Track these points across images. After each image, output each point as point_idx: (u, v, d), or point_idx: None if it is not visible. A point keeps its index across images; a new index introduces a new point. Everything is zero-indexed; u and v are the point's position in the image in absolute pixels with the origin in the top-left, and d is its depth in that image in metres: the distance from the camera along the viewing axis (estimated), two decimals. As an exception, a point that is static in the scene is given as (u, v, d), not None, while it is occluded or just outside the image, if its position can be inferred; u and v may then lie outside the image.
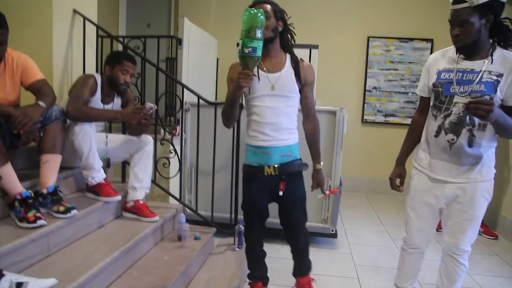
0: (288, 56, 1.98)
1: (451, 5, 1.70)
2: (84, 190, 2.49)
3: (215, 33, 5.28)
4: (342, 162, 3.31)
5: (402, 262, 2.22)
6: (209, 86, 4.85)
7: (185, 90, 2.96)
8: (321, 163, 2.12)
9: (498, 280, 2.95)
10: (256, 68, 1.77)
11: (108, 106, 2.48)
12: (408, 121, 5.31)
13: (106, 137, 2.50)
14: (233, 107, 1.86)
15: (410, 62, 5.36)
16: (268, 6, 1.85)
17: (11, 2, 2.64)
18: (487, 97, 1.70)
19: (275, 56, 1.93)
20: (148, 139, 2.59)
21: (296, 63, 1.95)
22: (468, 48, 1.74)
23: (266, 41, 1.76)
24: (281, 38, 1.94)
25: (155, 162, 2.87)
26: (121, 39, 3.12)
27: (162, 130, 2.98)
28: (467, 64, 1.77)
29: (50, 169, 2.10)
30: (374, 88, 5.49)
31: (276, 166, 1.94)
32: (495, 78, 1.71)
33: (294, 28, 2.00)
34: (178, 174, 3.10)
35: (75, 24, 2.83)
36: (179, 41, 3.56)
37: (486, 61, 1.73)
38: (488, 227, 3.96)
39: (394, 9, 5.32)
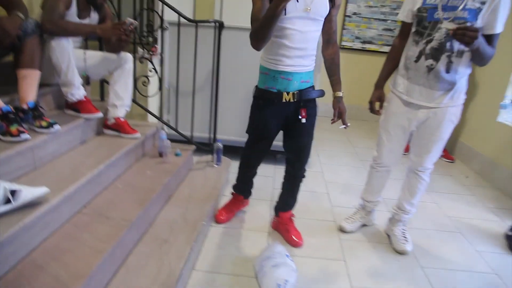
0: None
1: None
2: (64, 108, 2.50)
3: None
4: (319, 87, 3.39)
5: (370, 178, 2.45)
6: (187, 2, 4.66)
7: (164, 7, 2.87)
8: (342, 91, 2.05)
9: (451, 197, 3.28)
10: None
11: (85, 21, 2.40)
12: (385, 49, 5.37)
13: (84, 54, 2.45)
14: (271, 25, 1.62)
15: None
16: None
17: None
18: (469, 24, 1.77)
19: None
20: (128, 56, 2.56)
21: None
22: None
23: None
24: None
25: (135, 81, 2.86)
26: None
27: (140, 49, 2.92)
28: None
29: (29, 84, 2.09)
30: (354, 13, 5.41)
31: (295, 93, 1.91)
32: (478, 5, 1.78)
33: None
34: (154, 92, 3.13)
35: None
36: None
37: None
38: (448, 152, 4.27)
39: None
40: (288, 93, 1.89)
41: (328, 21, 1.88)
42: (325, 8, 1.79)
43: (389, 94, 2.19)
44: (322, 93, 2.02)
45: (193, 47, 3.15)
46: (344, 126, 2.07)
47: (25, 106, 2.06)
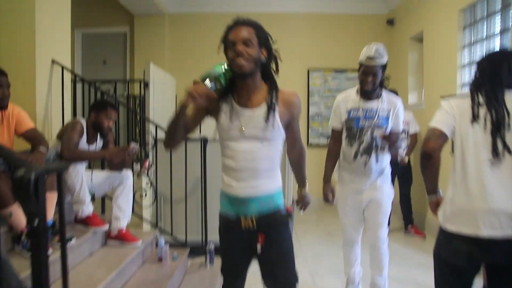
0: (268, 88, 1.67)
1: (367, 62, 2.37)
2: (72, 222, 2.78)
3: (171, 70, 5.71)
4: (293, 183, 3.84)
5: (345, 254, 2.84)
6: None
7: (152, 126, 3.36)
8: (306, 187, 1.95)
9: (428, 271, 3.58)
10: (216, 86, 1.58)
11: (92, 146, 2.82)
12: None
13: (91, 174, 2.83)
14: (175, 125, 1.62)
15: (345, 90, 6.14)
16: (250, 30, 1.57)
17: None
18: (384, 127, 2.46)
19: (255, 89, 1.64)
20: (129, 173, 2.95)
21: (272, 96, 1.63)
22: (370, 92, 2.45)
23: (244, 75, 1.57)
24: (262, 68, 1.64)
25: (133, 193, 3.21)
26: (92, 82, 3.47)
27: (134, 165, 3.32)
28: (367, 104, 2.49)
29: (49, 205, 2.40)
30: (316, 114, 6.18)
31: (254, 217, 1.64)
32: (386, 113, 2.48)
33: (279, 54, 1.68)
34: (150, 202, 3.46)
35: (53, 73, 3.14)
36: (146, 84, 3.97)
37: (379, 101, 2.47)
38: (418, 228, 4.67)
39: (330, 45, 6.08)
40: (246, 218, 1.65)
41: (290, 130, 1.73)
42: (268, 126, 1.60)
43: (337, 185, 2.71)
44: (287, 218, 1.76)
45: (182, 159, 3.59)
46: (303, 211, 2.05)
47: (44, 225, 2.34)
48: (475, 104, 1.64)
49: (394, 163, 4.48)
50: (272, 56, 1.64)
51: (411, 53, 5.44)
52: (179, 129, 1.65)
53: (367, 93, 2.46)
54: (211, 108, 1.68)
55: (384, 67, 2.40)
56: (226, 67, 1.60)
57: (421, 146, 1.72)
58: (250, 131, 1.62)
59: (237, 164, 1.64)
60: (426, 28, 4.88)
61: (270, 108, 1.60)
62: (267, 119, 1.59)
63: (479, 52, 3.87)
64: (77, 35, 6.00)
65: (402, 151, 4.45)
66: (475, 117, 1.62)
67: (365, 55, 2.37)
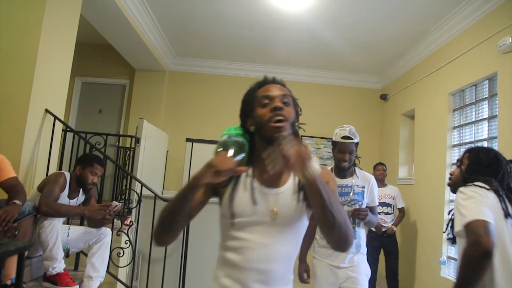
0: None
1: (342, 140, 2.46)
2: (41, 279, 2.61)
3: (165, 126, 5.76)
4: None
5: None
6: (159, 177, 5.19)
7: (137, 183, 3.30)
8: None
9: None
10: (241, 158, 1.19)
11: (73, 201, 2.73)
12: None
13: (68, 229, 2.71)
14: (178, 211, 1.15)
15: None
16: (285, 89, 1.32)
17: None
18: (360, 203, 2.49)
19: None
20: (107, 231, 2.84)
21: None
22: (346, 169, 2.51)
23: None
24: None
25: (110, 252, 3.06)
26: (83, 135, 3.45)
27: (115, 221, 3.21)
28: (342, 181, 2.53)
29: (15, 261, 2.26)
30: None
31: None
32: (361, 189, 2.53)
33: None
34: (128, 262, 3.30)
35: (45, 122, 3.13)
36: (137, 140, 3.96)
37: (353, 178, 2.53)
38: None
39: (324, 114, 6.21)
40: None
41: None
42: (301, 209, 1.24)
43: (313, 261, 2.62)
44: None
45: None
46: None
47: (8, 282, 2.19)
48: (502, 200, 1.64)
49: (379, 235, 4.46)
50: (298, 123, 1.34)
51: (402, 128, 5.56)
52: (183, 217, 1.18)
53: (342, 171, 2.53)
54: (219, 185, 1.26)
55: (357, 145, 2.53)
56: (242, 132, 1.31)
57: (471, 244, 1.47)
58: (285, 216, 1.22)
59: (247, 263, 1.19)
60: (418, 107, 5.03)
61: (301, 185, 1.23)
62: (298, 198, 1.24)
63: (468, 134, 3.97)
64: (76, 83, 6.10)
65: (389, 222, 4.43)
66: (508, 214, 1.62)
67: (340, 135, 2.49)
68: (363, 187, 2.54)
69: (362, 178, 2.57)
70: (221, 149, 1.16)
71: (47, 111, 3.13)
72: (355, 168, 2.60)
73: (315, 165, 1.11)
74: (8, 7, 2.99)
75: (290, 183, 1.27)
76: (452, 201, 4.03)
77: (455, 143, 4.14)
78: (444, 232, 1.94)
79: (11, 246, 1.62)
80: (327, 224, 1.12)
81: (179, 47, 5.69)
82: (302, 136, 5.86)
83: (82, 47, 4.81)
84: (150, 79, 5.94)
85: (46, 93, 3.13)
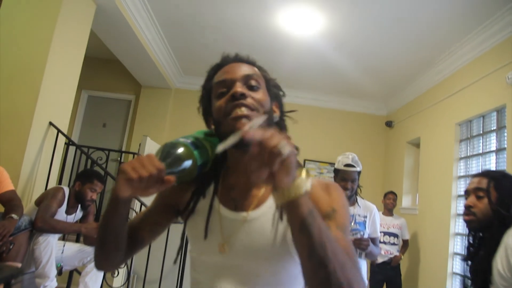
0: None
1: (344, 167, 2.43)
2: (32, 298, 2.53)
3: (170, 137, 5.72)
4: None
5: None
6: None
7: (136, 201, 3.24)
8: None
9: None
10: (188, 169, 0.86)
11: (71, 217, 2.67)
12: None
13: (64, 246, 2.64)
14: (104, 229, 0.87)
15: (339, 184, 6.11)
16: (253, 68, 0.97)
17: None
18: (362, 232, 2.44)
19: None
20: (103, 249, 2.76)
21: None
22: (348, 197, 2.46)
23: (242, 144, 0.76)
24: None
25: (104, 272, 2.98)
26: (85, 149, 3.42)
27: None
28: None
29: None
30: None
31: None
32: (363, 218, 2.48)
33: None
34: (122, 282, 3.20)
35: (48, 134, 3.10)
36: (140, 156, 3.91)
37: (355, 207, 2.50)
38: None
39: (327, 138, 6.17)
40: None
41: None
42: (274, 242, 0.87)
43: None
44: None
45: (163, 237, 3.41)
46: None
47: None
48: None
49: (383, 268, 4.33)
50: (283, 117, 1.01)
51: (407, 156, 5.50)
52: (118, 239, 0.88)
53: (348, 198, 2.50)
54: (178, 202, 0.97)
55: (359, 174, 2.49)
56: (206, 136, 0.99)
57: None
58: (239, 252, 0.87)
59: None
60: (423, 135, 4.98)
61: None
62: (276, 228, 0.87)
63: (475, 165, 3.90)
64: (83, 96, 6.10)
65: (397, 251, 4.32)
66: None
67: (343, 163, 2.45)
68: (365, 216, 2.49)
69: (364, 208, 2.53)
70: (159, 153, 0.83)
71: (51, 123, 3.10)
72: (357, 197, 2.55)
73: (303, 177, 0.71)
74: (20, 19, 3.01)
75: (266, 207, 0.89)
76: (458, 234, 3.93)
77: (462, 174, 4.07)
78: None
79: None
80: (315, 281, 0.70)
81: (186, 66, 5.72)
82: (305, 160, 5.78)
83: (91, 61, 4.83)
84: (156, 95, 5.94)
85: (51, 105, 3.11)
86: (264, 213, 0.89)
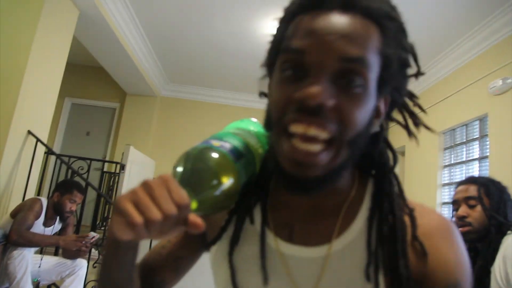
0: (368, 195, 0.60)
1: None
2: (5, 315, 2.42)
3: (153, 152, 5.63)
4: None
5: None
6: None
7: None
8: None
9: None
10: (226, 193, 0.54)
11: (49, 229, 2.58)
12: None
13: (41, 259, 2.55)
14: (105, 284, 0.59)
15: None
16: (369, 39, 0.51)
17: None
18: None
19: (332, 197, 0.60)
20: (83, 263, 2.68)
21: (396, 220, 0.56)
22: None
23: (316, 184, 0.53)
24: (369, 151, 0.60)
25: (84, 285, 2.89)
26: (66, 159, 3.33)
27: (93, 251, 3.05)
28: None
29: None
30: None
31: None
32: None
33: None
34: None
35: (26, 144, 3.01)
36: (122, 166, 3.84)
37: None
38: None
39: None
40: None
41: None
42: None
43: None
44: None
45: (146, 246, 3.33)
46: None
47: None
48: None
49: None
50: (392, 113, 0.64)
51: (392, 164, 5.51)
52: None
53: None
54: (208, 227, 0.59)
55: None
56: (251, 131, 0.66)
57: None
58: None
59: None
60: (408, 144, 5.01)
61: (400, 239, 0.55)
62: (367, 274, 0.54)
63: (459, 173, 3.94)
64: (66, 104, 5.99)
65: None
66: None
67: None
68: None
69: None
70: (178, 172, 0.52)
71: (29, 132, 3.01)
72: None
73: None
74: (-1, 24, 2.93)
75: (355, 231, 0.58)
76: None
77: (446, 182, 4.10)
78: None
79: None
80: None
81: (172, 73, 5.66)
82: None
83: (74, 67, 4.75)
84: (141, 103, 5.86)
85: (31, 114, 3.02)
86: (352, 242, 0.57)
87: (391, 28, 0.53)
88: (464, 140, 3.89)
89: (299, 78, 0.50)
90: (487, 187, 1.49)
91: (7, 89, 2.85)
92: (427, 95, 4.57)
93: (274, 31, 0.58)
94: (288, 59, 0.52)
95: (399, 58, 0.54)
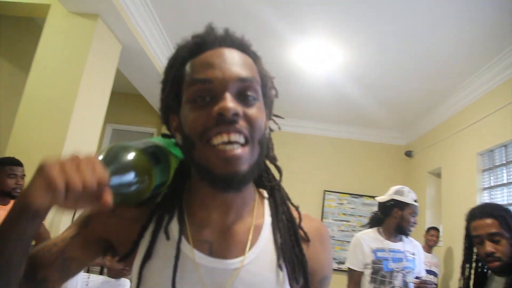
0: (266, 205, 0.76)
1: (416, 203, 2.40)
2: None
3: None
4: None
5: None
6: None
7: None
8: None
9: None
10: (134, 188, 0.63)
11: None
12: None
13: (88, 277, 2.68)
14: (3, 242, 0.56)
15: (360, 215, 6.00)
16: (249, 64, 0.69)
17: None
18: (413, 271, 2.30)
19: (242, 207, 0.72)
20: (126, 282, 2.79)
21: (290, 225, 0.74)
22: (400, 233, 2.37)
23: (241, 179, 0.64)
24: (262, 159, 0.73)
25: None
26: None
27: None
28: (392, 245, 2.35)
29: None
30: (332, 236, 5.98)
31: None
32: (412, 256, 2.35)
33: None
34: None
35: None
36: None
37: (404, 243, 2.37)
38: None
39: (347, 169, 6.14)
40: None
41: None
42: None
43: None
44: None
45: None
46: None
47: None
48: None
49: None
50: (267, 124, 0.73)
51: (429, 187, 5.41)
52: (5, 269, 0.57)
53: (400, 234, 2.37)
54: (113, 236, 0.71)
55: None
56: (169, 146, 0.76)
57: None
58: None
59: None
60: (444, 165, 4.92)
61: (295, 242, 0.71)
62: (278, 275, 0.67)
63: (500, 196, 3.82)
64: (108, 129, 6.32)
65: None
66: None
67: (413, 198, 2.39)
68: (413, 254, 2.38)
69: (411, 244, 2.43)
70: (102, 155, 0.60)
71: (78, 158, 3.21)
72: None
73: None
74: (53, 60, 3.19)
75: (263, 242, 0.69)
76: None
77: (486, 205, 3.98)
78: None
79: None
80: None
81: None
82: (325, 191, 5.73)
83: (115, 95, 5.00)
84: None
85: (79, 140, 3.24)
86: (261, 253, 0.68)
87: (257, 56, 0.73)
88: (504, 162, 3.80)
89: (209, 103, 0.63)
90: (504, 219, 1.55)
91: (59, 119, 3.08)
92: (462, 115, 4.50)
93: (164, 77, 0.72)
94: (197, 89, 0.64)
95: (268, 77, 0.74)
